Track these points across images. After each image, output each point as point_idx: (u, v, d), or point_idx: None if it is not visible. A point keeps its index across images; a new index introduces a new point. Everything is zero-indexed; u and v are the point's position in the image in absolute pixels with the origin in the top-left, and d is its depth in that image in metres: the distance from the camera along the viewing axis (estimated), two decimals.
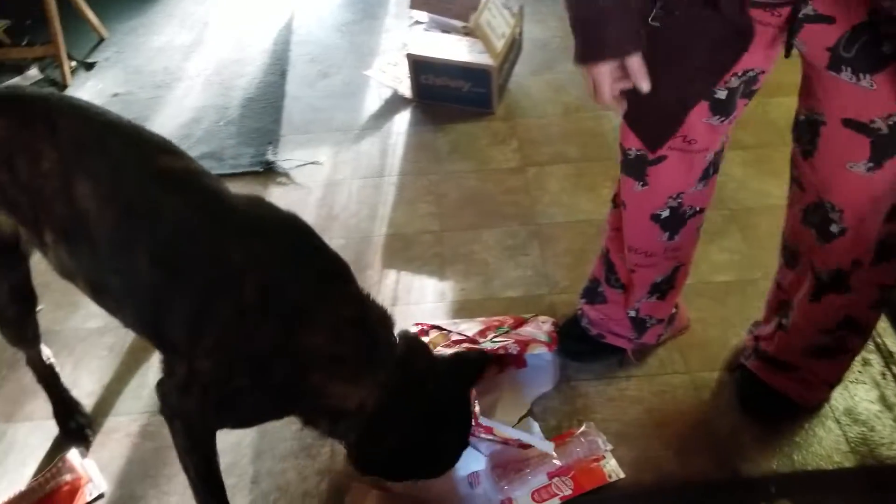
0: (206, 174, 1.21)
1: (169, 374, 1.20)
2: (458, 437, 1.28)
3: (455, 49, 2.39)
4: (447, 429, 1.21)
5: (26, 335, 1.49)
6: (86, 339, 1.80)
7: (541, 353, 1.62)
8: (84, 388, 1.69)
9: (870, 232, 1.17)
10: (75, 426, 1.58)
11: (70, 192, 1.10)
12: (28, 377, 1.71)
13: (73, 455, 1.53)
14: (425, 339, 1.60)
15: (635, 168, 1.30)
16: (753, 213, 1.99)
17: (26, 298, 1.40)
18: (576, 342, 1.66)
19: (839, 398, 1.55)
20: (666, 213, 1.32)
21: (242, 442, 1.55)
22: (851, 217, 1.16)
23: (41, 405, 1.65)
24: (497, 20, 2.39)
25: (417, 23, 2.66)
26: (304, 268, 1.14)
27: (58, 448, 1.57)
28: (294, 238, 1.17)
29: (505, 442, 1.42)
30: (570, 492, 1.41)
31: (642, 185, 1.30)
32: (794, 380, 1.47)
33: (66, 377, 1.70)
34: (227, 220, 1.14)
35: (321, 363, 1.12)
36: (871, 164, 1.07)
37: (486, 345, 1.58)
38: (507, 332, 1.65)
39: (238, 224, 1.13)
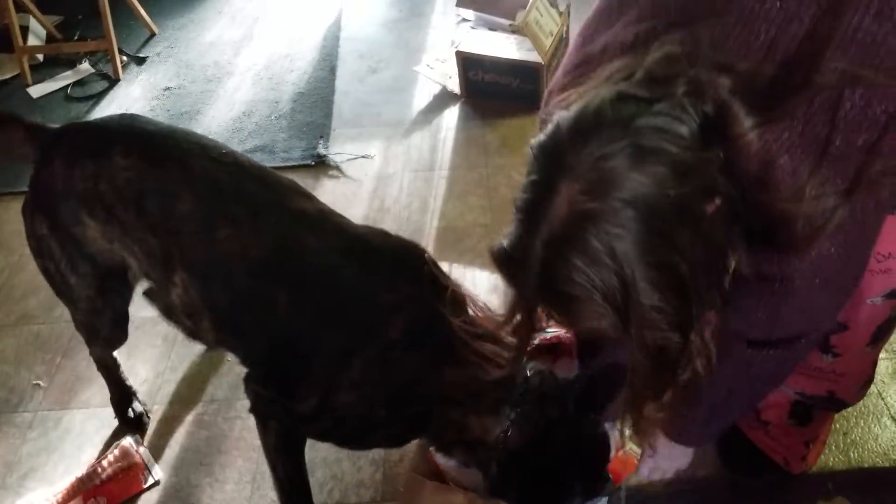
0: (336, 214, 1.23)
1: (268, 376, 1.21)
2: (593, 467, 1.25)
3: (503, 46, 2.38)
4: (582, 459, 1.20)
5: (112, 349, 1.54)
6: (141, 327, 1.81)
7: None
8: (139, 377, 1.70)
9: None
10: (134, 415, 1.60)
11: (212, 235, 1.12)
12: (83, 365, 1.73)
13: (128, 442, 1.54)
14: None
15: None
16: None
17: (124, 325, 1.44)
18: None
19: (894, 396, 1.51)
20: None
21: None
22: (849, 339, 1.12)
23: (97, 392, 1.67)
24: (545, 18, 2.37)
25: (464, 20, 2.65)
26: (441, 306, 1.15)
27: (114, 436, 1.59)
28: (429, 276, 1.19)
29: None
30: None
31: None
32: (772, 438, 1.37)
33: (122, 365, 1.72)
34: (370, 261, 1.17)
35: (460, 398, 1.14)
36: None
37: (540, 335, 1.56)
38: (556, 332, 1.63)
39: (380, 265, 1.17)
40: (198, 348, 1.74)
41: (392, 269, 1.16)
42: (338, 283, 1.13)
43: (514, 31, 2.40)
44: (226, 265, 1.14)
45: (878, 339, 1.13)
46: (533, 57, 2.30)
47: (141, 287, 1.38)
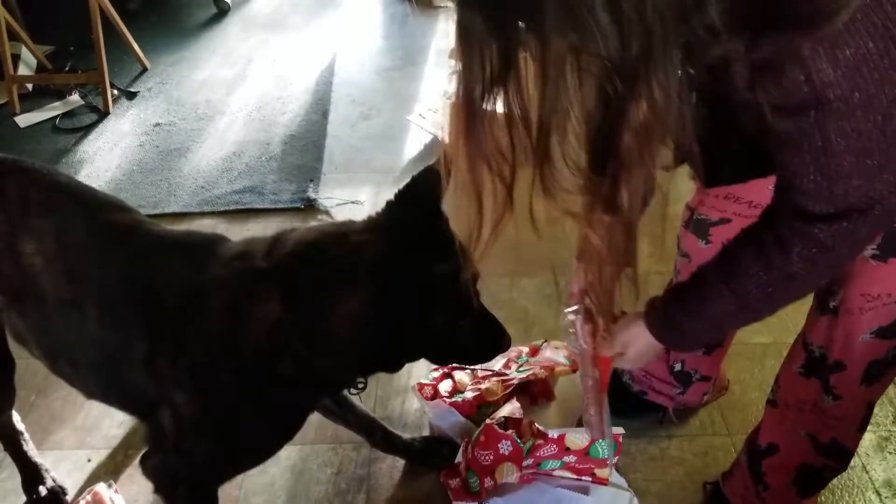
0: (152, 223, 1.16)
1: (155, 442, 1.14)
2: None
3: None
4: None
5: (2, 411, 1.41)
6: None
7: (571, 378, 1.63)
8: (115, 419, 1.66)
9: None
10: (46, 493, 1.49)
11: (16, 251, 1.07)
12: (58, 404, 1.70)
13: (101, 488, 1.50)
14: (450, 383, 1.60)
15: (699, 228, 1.31)
16: None
17: (2, 365, 1.33)
18: (617, 397, 1.63)
19: (878, 469, 1.53)
20: None
21: (276, 483, 1.52)
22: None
23: (70, 434, 1.63)
24: None
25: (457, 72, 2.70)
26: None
27: (86, 480, 1.55)
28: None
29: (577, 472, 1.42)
30: None
31: (706, 243, 1.30)
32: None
33: (98, 407, 1.68)
34: (175, 254, 1.10)
35: (289, 358, 1.04)
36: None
37: (515, 374, 1.58)
38: (527, 360, 1.66)
39: (187, 255, 1.10)
40: None
41: (198, 255, 1.08)
42: (133, 289, 1.07)
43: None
44: (32, 283, 1.08)
45: (871, 378, 1.14)
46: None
47: None
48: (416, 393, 1.59)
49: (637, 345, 1.07)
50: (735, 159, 1.01)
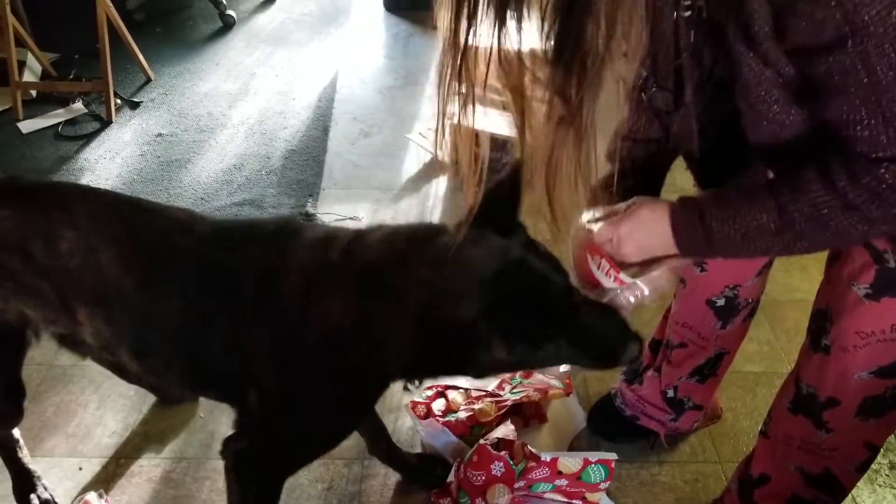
0: (205, 215, 1.22)
1: (241, 425, 1.19)
2: None
3: (497, 122, 2.45)
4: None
5: (5, 428, 1.43)
6: (112, 376, 1.78)
7: (564, 401, 1.67)
8: (108, 427, 1.66)
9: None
10: (38, 502, 1.49)
11: (96, 262, 1.10)
12: (50, 411, 1.69)
13: (92, 497, 1.49)
14: (444, 402, 1.61)
15: None
16: (781, 305, 2.01)
17: (16, 395, 1.35)
18: (609, 422, 1.65)
19: (868, 501, 1.54)
20: (721, 302, 1.34)
21: None
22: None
23: (62, 441, 1.63)
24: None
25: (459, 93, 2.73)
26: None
27: (77, 488, 1.54)
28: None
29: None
30: None
31: (701, 271, 1.32)
32: None
33: (91, 415, 1.68)
34: (247, 239, 1.13)
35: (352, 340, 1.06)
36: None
37: (508, 395, 1.59)
38: (520, 382, 1.67)
39: (258, 238, 1.13)
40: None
41: (272, 238, 1.11)
42: (218, 271, 1.10)
43: (505, 106, 2.48)
44: (116, 287, 1.11)
45: (868, 413, 1.13)
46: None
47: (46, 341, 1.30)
48: (410, 411, 1.59)
49: (643, 231, 0.94)
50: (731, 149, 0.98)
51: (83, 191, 1.22)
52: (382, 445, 1.51)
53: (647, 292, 1.02)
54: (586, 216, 1.02)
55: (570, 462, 1.40)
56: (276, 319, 1.06)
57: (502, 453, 1.40)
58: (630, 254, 0.96)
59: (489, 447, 1.40)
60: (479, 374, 1.07)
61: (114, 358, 1.22)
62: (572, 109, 0.76)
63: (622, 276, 0.97)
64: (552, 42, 0.72)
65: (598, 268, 1.00)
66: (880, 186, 0.77)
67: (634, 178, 1.07)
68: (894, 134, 0.74)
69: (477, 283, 0.95)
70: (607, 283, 0.99)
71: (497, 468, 1.39)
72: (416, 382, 1.17)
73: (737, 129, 0.91)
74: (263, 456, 1.17)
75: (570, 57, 0.72)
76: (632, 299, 1.01)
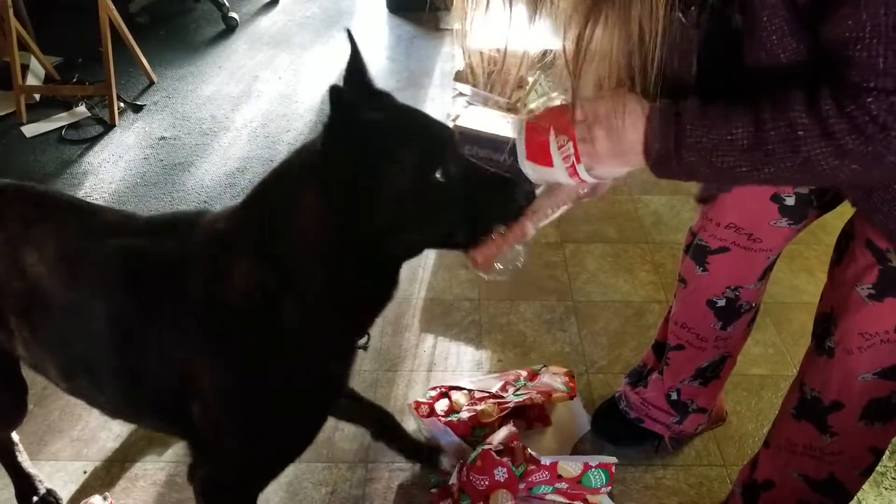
0: (142, 216, 1.15)
1: (196, 450, 1.14)
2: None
3: (498, 123, 2.45)
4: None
5: (9, 429, 1.40)
6: None
7: (568, 405, 1.67)
8: (112, 431, 1.66)
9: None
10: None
11: (20, 265, 1.07)
12: (55, 415, 1.70)
13: (96, 500, 1.49)
14: (447, 402, 1.61)
15: (697, 254, 1.32)
16: (787, 308, 2.00)
17: (18, 392, 1.32)
18: (613, 425, 1.64)
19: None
20: (722, 303, 1.34)
21: (270, 502, 1.51)
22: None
23: (67, 445, 1.63)
24: (542, 101, 2.46)
25: (461, 94, 2.73)
26: None
27: (81, 491, 1.54)
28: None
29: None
30: None
31: (702, 270, 1.32)
32: None
33: (96, 419, 1.69)
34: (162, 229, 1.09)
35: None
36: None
37: (511, 398, 1.59)
38: (525, 384, 1.67)
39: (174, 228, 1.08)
40: None
41: (182, 230, 1.06)
42: (139, 261, 1.04)
43: (509, 109, 2.48)
44: (39, 293, 1.06)
45: (873, 416, 1.12)
46: (496, 129, 2.36)
47: None
48: (413, 411, 1.59)
49: (621, 118, 0.88)
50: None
51: (15, 191, 1.16)
52: (387, 422, 1.51)
53: (583, 191, 0.99)
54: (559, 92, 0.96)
55: (570, 466, 1.40)
56: (197, 301, 1.00)
57: (505, 459, 1.39)
58: (600, 137, 0.89)
59: (493, 453, 1.40)
60: (405, 252, 0.99)
61: (46, 375, 1.17)
62: None
63: (580, 168, 0.91)
64: None
65: (559, 147, 0.92)
66: (863, 118, 0.74)
67: None
68: (892, 60, 0.72)
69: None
70: (558, 165, 0.92)
71: (500, 473, 1.38)
72: (366, 338, 1.11)
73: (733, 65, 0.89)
74: (228, 477, 1.13)
75: None
76: (567, 190, 0.99)
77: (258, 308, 0.98)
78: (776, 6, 0.79)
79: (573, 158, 0.91)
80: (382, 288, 1.02)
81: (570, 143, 0.90)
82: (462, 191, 0.94)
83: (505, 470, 1.38)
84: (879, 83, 0.73)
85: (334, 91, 0.83)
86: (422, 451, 1.54)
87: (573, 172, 0.92)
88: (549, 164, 0.93)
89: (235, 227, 1.00)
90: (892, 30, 0.70)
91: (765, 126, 0.80)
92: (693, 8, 0.86)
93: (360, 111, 0.88)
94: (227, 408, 1.04)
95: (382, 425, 1.52)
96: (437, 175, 0.91)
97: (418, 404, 1.60)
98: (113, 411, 1.21)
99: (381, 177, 0.89)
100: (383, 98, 0.98)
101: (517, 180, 0.96)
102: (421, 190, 0.91)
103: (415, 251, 1.00)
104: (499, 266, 0.99)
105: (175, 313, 1.01)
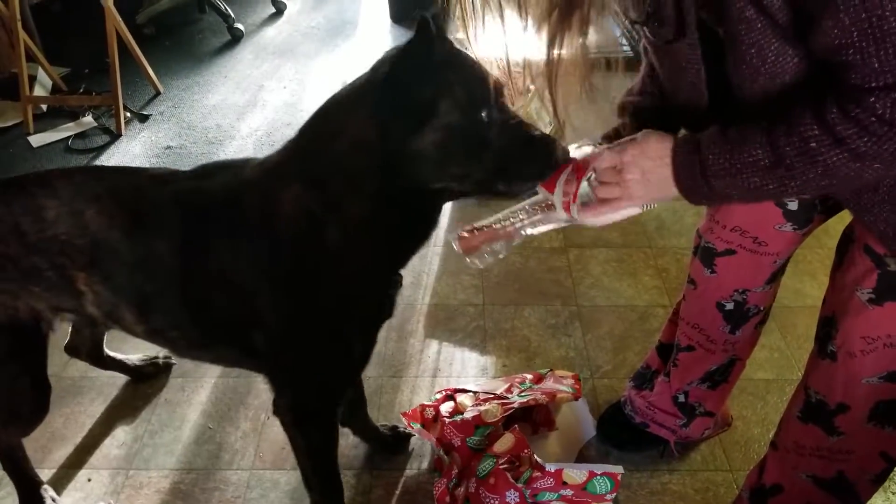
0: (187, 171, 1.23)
1: (272, 380, 1.23)
2: None
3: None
4: None
5: (33, 427, 1.38)
6: (122, 387, 1.79)
7: (573, 405, 1.67)
8: (117, 439, 1.67)
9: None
10: None
11: (82, 222, 1.12)
12: (59, 422, 1.70)
13: None
14: (452, 404, 1.62)
15: (705, 256, 1.32)
16: (791, 312, 1.99)
17: (45, 390, 1.33)
18: (618, 430, 1.64)
19: None
20: (730, 306, 1.33)
21: None
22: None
23: (71, 453, 1.63)
24: (544, 110, 2.47)
25: None
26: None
27: (86, 499, 1.54)
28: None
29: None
30: None
31: (710, 272, 1.32)
32: None
33: (100, 426, 1.69)
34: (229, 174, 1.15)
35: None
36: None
37: (516, 399, 1.59)
38: (530, 387, 1.67)
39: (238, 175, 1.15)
40: (179, 413, 1.72)
41: (237, 164, 1.15)
42: (196, 198, 1.12)
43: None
44: (105, 242, 1.12)
45: (882, 419, 1.11)
46: None
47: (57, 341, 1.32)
48: (403, 418, 1.62)
49: (649, 160, 0.93)
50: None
51: (62, 170, 1.25)
52: (360, 416, 1.57)
53: (562, 224, 1.07)
54: (585, 144, 1.03)
55: (574, 474, 1.39)
56: (251, 227, 1.07)
57: (520, 485, 1.38)
58: (634, 181, 0.95)
59: (508, 475, 1.39)
60: (443, 190, 1.03)
61: (122, 326, 1.23)
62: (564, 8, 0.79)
63: (573, 208, 1.00)
64: None
65: (566, 182, 1.00)
66: (869, 119, 0.76)
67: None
68: (885, 57, 0.72)
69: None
70: (558, 194, 1.01)
71: (512, 497, 1.37)
72: (399, 280, 1.22)
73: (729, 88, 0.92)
74: (307, 398, 1.22)
75: None
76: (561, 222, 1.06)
77: (306, 232, 1.04)
78: (752, 20, 0.81)
79: (571, 196, 0.99)
80: (421, 224, 1.08)
81: (576, 182, 0.98)
82: (503, 136, 0.98)
83: (517, 494, 1.37)
84: (880, 81, 0.74)
85: (423, 20, 0.89)
86: (386, 440, 1.62)
87: (566, 207, 1.00)
88: (552, 189, 1.01)
89: (287, 155, 1.07)
90: (877, 29, 0.71)
91: (779, 143, 0.82)
92: (657, 24, 0.90)
93: (435, 45, 0.93)
94: (285, 328, 1.12)
95: (352, 414, 1.56)
96: (483, 115, 0.96)
97: (423, 407, 1.60)
98: (188, 345, 1.26)
99: (434, 107, 0.94)
100: (446, 41, 1.01)
101: (553, 139, 1.01)
102: (467, 125, 0.96)
103: (452, 193, 1.04)
104: (482, 255, 1.07)
105: (232, 240, 1.08)
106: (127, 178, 1.20)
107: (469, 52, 0.98)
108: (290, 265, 1.07)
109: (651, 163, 0.93)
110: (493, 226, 1.08)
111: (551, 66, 0.85)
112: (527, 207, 1.10)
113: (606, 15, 0.82)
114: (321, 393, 1.22)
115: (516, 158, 0.99)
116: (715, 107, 0.97)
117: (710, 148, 0.88)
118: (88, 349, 1.70)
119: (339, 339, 1.15)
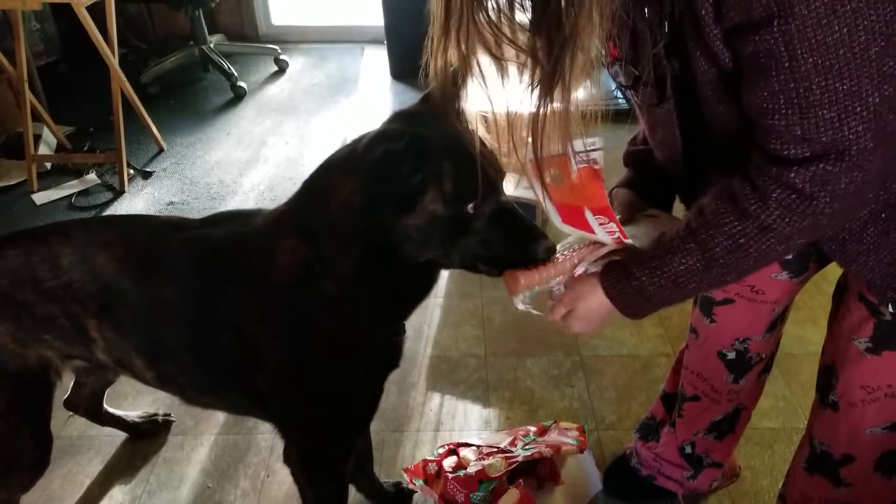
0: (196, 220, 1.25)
1: (280, 429, 1.25)
2: None
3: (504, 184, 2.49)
4: None
5: (33, 482, 1.34)
6: (121, 445, 1.76)
7: (579, 458, 1.64)
8: (115, 499, 1.63)
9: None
10: None
11: (92, 267, 1.14)
12: (57, 483, 1.67)
13: None
14: (455, 459, 1.59)
15: (704, 305, 1.32)
16: (795, 359, 1.98)
17: (46, 443, 1.31)
18: (625, 482, 1.61)
19: None
20: (732, 355, 1.33)
21: None
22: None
23: None
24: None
25: None
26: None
27: None
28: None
29: None
30: None
31: (710, 322, 1.31)
32: None
33: (98, 487, 1.66)
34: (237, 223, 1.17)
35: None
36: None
37: (520, 452, 1.56)
38: (534, 439, 1.64)
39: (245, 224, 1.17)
40: (178, 471, 1.69)
41: (244, 215, 1.17)
42: (202, 245, 1.14)
43: (514, 169, 2.52)
44: (116, 289, 1.13)
45: (889, 467, 1.09)
46: (530, 194, 2.40)
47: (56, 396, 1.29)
48: (405, 474, 1.59)
49: (587, 302, 0.99)
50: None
51: (81, 220, 1.28)
52: (367, 472, 1.56)
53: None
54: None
55: None
56: (254, 274, 1.09)
57: None
58: (581, 319, 1.01)
59: None
60: (430, 262, 1.04)
61: (131, 372, 1.23)
62: (548, 73, 0.80)
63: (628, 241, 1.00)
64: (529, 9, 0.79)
65: (600, 224, 0.99)
66: (790, 196, 0.78)
67: (647, 182, 1.15)
68: (808, 126, 0.74)
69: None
70: (602, 235, 0.99)
71: None
72: (403, 329, 1.21)
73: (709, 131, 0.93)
74: (315, 447, 1.23)
75: (544, 21, 0.78)
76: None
77: (301, 284, 1.06)
78: (707, 66, 0.83)
79: (619, 234, 0.99)
80: (414, 286, 1.10)
81: (613, 223, 0.98)
82: (487, 228, 1.00)
83: None
84: (799, 151, 0.76)
85: (427, 96, 0.95)
86: (390, 497, 1.60)
87: (619, 242, 1.00)
88: (590, 230, 1.00)
89: (289, 208, 1.10)
90: (803, 100, 0.73)
91: (707, 246, 0.86)
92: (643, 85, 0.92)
93: (430, 127, 0.97)
94: (286, 372, 1.14)
95: (358, 470, 1.54)
96: (469, 208, 0.97)
97: (426, 462, 1.58)
98: (197, 391, 1.26)
99: (420, 195, 0.96)
100: (447, 118, 1.03)
101: (541, 234, 1.03)
102: (451, 216, 0.97)
103: (441, 265, 1.07)
104: (526, 295, 1.03)
105: (235, 287, 1.10)
106: (140, 224, 1.24)
107: (472, 130, 0.99)
108: (288, 312, 1.09)
109: (587, 306, 0.99)
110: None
111: (537, 121, 0.87)
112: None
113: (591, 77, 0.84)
114: (327, 441, 1.22)
115: (499, 249, 1.01)
116: (690, 162, 1.00)
117: (640, 269, 0.92)
118: (87, 405, 1.69)
119: (342, 387, 1.16)
